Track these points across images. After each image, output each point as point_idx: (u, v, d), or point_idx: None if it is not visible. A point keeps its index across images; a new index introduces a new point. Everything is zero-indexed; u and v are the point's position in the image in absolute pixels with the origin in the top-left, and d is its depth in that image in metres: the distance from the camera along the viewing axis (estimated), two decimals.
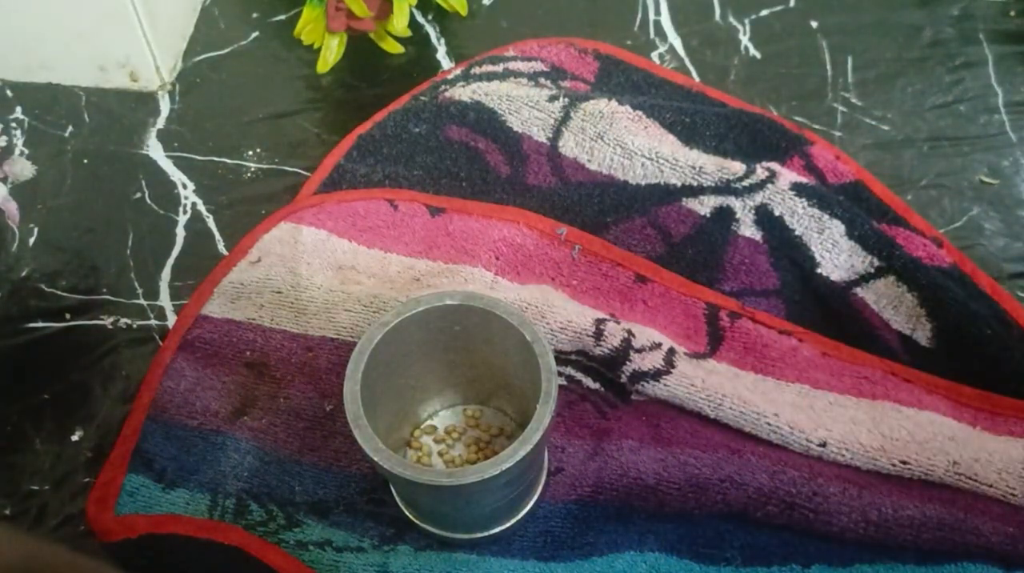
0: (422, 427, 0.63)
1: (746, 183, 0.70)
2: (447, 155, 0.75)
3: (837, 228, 0.69)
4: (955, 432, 0.61)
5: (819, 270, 0.69)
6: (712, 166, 0.71)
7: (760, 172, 0.71)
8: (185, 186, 0.77)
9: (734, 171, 0.71)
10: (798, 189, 0.70)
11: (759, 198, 0.70)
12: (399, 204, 0.72)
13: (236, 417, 0.63)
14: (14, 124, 0.81)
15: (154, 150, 0.79)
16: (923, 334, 0.66)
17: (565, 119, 0.74)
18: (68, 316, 0.70)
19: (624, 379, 0.62)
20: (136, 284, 0.72)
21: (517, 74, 0.79)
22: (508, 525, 0.58)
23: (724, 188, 0.71)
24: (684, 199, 0.71)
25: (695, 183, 0.72)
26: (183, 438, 0.63)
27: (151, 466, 0.62)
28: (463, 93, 0.78)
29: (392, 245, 0.71)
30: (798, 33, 0.85)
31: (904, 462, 0.59)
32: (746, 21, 0.86)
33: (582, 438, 0.62)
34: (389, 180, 0.75)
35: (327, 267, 0.69)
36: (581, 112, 0.74)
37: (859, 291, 0.68)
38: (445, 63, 0.85)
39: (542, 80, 0.79)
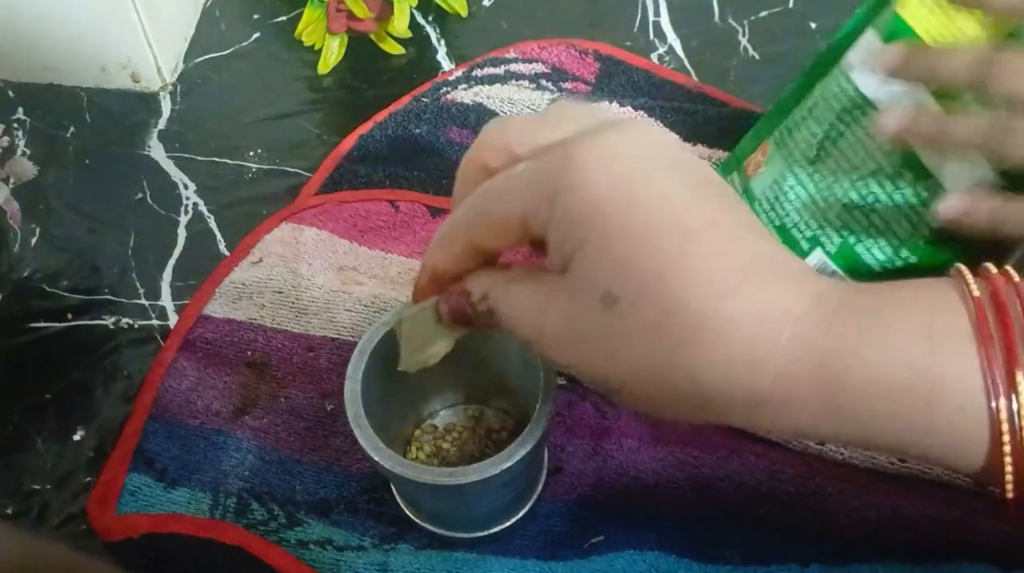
0: (422, 426, 0.63)
1: None
2: (448, 156, 0.76)
3: None
4: None
5: None
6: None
7: None
8: (186, 186, 0.78)
9: None
10: None
11: None
12: (400, 205, 0.73)
13: (237, 416, 0.64)
14: (16, 125, 0.81)
15: (155, 151, 0.80)
16: None
17: None
18: (70, 316, 0.71)
19: None
20: (138, 284, 0.72)
21: (518, 76, 0.79)
22: (508, 524, 0.58)
23: None
24: None
25: None
26: (185, 437, 0.63)
27: (153, 465, 0.62)
28: (465, 96, 0.78)
29: (393, 246, 0.71)
30: (797, 34, 0.85)
31: (902, 461, 0.59)
32: (745, 22, 0.86)
33: (582, 437, 0.62)
34: (390, 181, 0.75)
35: (328, 267, 0.70)
36: None
37: None
38: (445, 64, 0.85)
39: (543, 82, 0.79)
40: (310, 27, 0.84)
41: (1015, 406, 0.32)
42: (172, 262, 0.73)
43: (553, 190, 0.36)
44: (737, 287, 0.34)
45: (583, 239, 0.35)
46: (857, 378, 0.33)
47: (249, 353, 0.66)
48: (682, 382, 0.35)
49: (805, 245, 0.56)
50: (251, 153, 0.79)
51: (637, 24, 0.87)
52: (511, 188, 0.38)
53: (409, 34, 0.84)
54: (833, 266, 0.55)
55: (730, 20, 0.86)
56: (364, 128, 0.78)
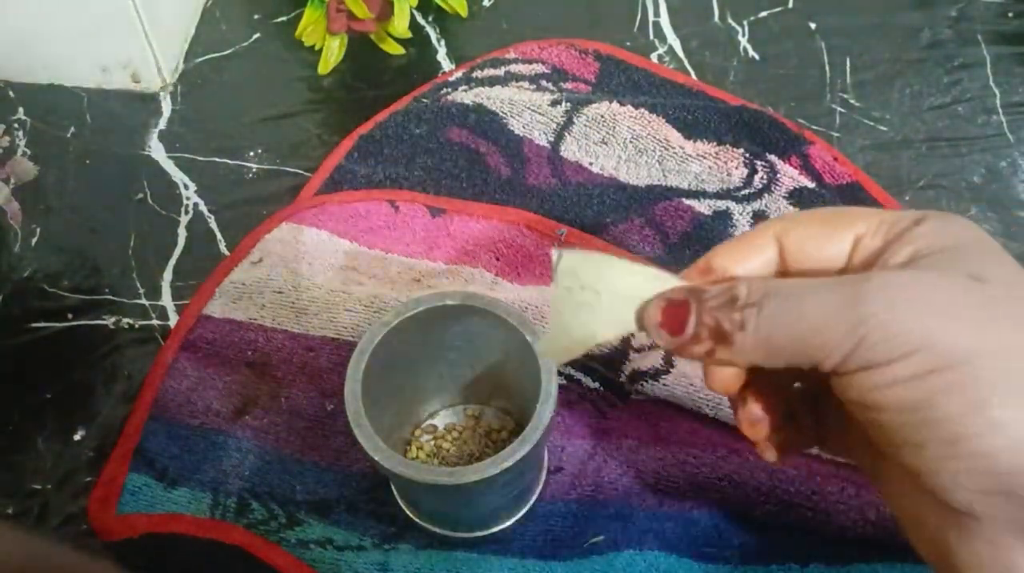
0: (422, 426, 0.63)
1: (744, 193, 0.71)
2: (448, 156, 0.76)
3: None
4: None
5: None
6: (714, 179, 0.72)
7: (757, 182, 0.71)
8: (187, 187, 0.78)
9: (734, 182, 0.71)
10: (795, 198, 0.70)
11: (756, 205, 0.71)
12: (400, 205, 0.73)
13: (238, 416, 0.64)
14: (16, 125, 0.81)
15: (156, 151, 0.80)
16: None
17: (568, 124, 0.75)
18: (70, 316, 0.71)
19: (623, 378, 0.63)
20: (138, 284, 0.72)
21: (519, 77, 0.79)
22: (508, 524, 0.58)
23: (724, 194, 0.71)
24: (683, 198, 0.72)
25: (696, 189, 0.72)
26: (185, 437, 0.63)
27: (153, 465, 0.62)
28: (465, 97, 0.78)
29: (393, 246, 0.71)
30: (797, 34, 0.85)
31: None
32: (745, 23, 0.86)
33: (582, 437, 0.62)
34: (390, 181, 0.75)
35: (328, 267, 0.70)
36: (584, 118, 0.74)
37: None
38: (445, 64, 0.85)
39: (543, 82, 0.79)
40: (310, 27, 0.84)
41: None
42: (172, 262, 0.73)
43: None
44: None
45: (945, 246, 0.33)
46: None
47: (249, 353, 0.66)
48: None
49: None
50: (251, 153, 0.79)
51: (637, 24, 0.87)
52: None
53: (409, 34, 0.84)
54: None
55: (730, 20, 0.86)
56: (364, 128, 0.78)
